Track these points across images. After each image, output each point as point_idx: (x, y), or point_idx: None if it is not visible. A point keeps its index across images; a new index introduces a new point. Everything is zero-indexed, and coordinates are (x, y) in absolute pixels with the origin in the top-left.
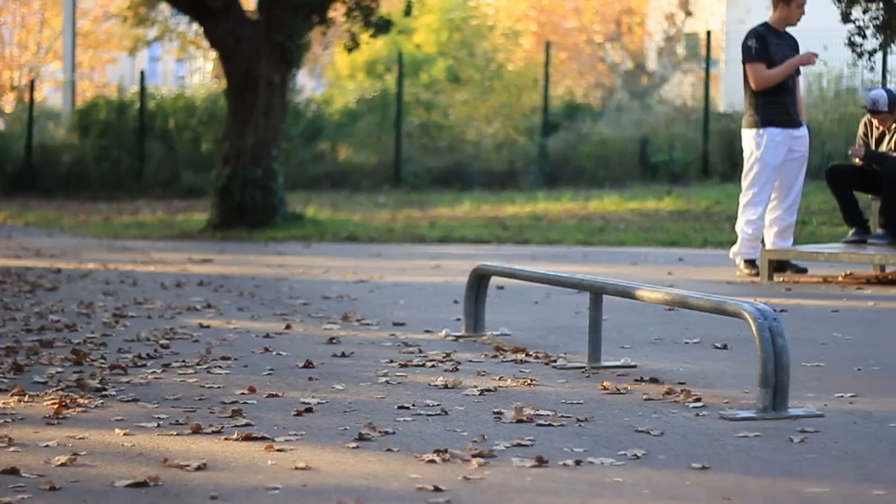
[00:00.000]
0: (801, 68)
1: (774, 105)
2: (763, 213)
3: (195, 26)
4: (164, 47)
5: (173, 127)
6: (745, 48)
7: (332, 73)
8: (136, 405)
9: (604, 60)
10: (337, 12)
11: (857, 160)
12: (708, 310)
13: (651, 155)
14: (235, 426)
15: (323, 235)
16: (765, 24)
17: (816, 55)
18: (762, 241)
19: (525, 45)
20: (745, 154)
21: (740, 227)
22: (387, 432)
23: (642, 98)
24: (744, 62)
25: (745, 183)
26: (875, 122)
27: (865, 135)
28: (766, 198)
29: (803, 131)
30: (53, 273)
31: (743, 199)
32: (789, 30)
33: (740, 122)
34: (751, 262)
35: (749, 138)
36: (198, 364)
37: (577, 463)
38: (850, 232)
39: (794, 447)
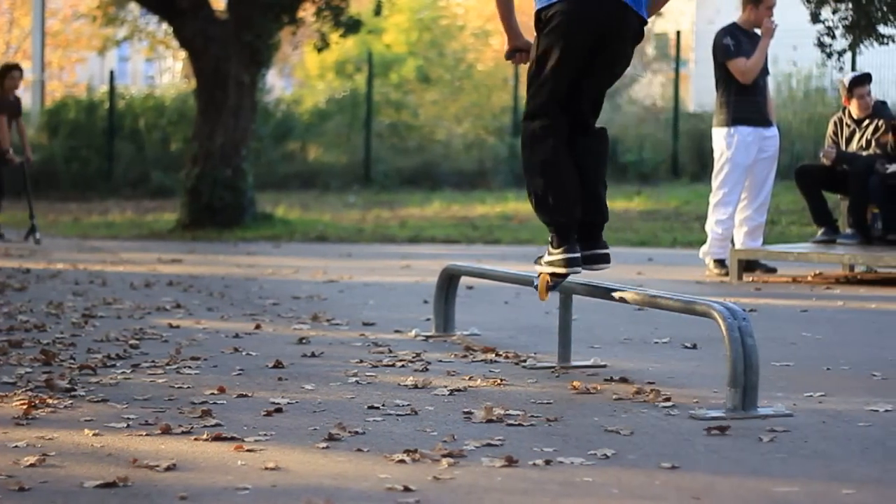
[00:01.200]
0: (770, 68)
1: (745, 104)
2: (733, 213)
3: (164, 26)
4: (134, 47)
5: (143, 127)
6: (724, 47)
7: (302, 73)
8: (106, 405)
9: None
10: (307, 12)
11: (827, 161)
12: (677, 310)
13: (621, 155)
14: (205, 426)
15: (292, 235)
16: (733, 24)
17: (774, 22)
18: (732, 241)
19: (495, 45)
20: (716, 153)
21: (710, 226)
22: (356, 432)
23: (612, 98)
24: (724, 61)
25: (715, 183)
26: (849, 111)
27: (835, 133)
28: (737, 198)
29: (773, 131)
30: (22, 273)
31: (713, 199)
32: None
33: (710, 122)
34: (720, 262)
35: (720, 137)
36: (167, 364)
37: (547, 463)
38: (820, 232)
39: (763, 447)
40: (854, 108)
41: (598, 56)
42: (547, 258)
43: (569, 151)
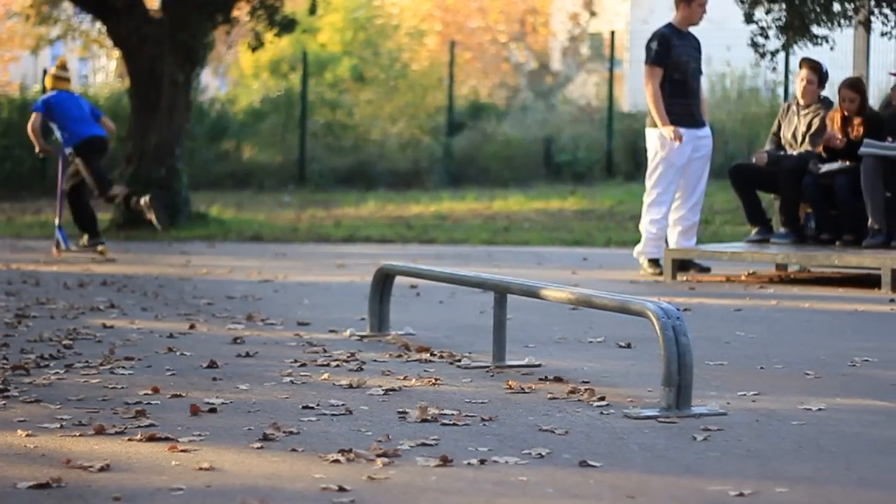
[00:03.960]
0: (704, 68)
1: (678, 106)
2: (667, 212)
3: (98, 25)
4: (68, 46)
5: None
6: (647, 49)
7: (237, 73)
8: (39, 406)
9: (508, 60)
10: (241, 11)
11: (759, 164)
12: (612, 309)
13: (555, 155)
14: (139, 427)
15: (227, 235)
16: (669, 25)
17: (681, 138)
18: (666, 241)
19: (430, 45)
20: (650, 154)
21: (644, 226)
22: (291, 432)
23: (547, 98)
24: (644, 63)
25: (649, 183)
26: (797, 99)
27: (777, 133)
28: (671, 197)
29: (706, 131)
30: None
31: (647, 199)
32: (695, 31)
33: (644, 122)
34: (654, 262)
35: (653, 138)
36: (101, 364)
37: (482, 462)
38: (754, 231)
39: (697, 445)
40: (798, 89)
41: None
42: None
43: None
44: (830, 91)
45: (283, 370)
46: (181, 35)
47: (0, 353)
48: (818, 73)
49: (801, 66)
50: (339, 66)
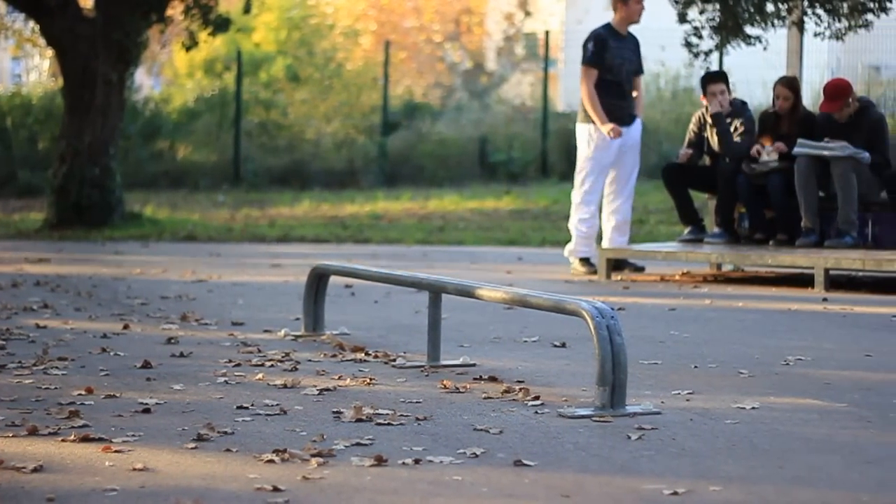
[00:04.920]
0: (644, 66)
1: (609, 106)
2: (596, 210)
3: (31, 24)
4: (0, 45)
5: (9, 125)
6: (583, 49)
7: (171, 72)
8: None
9: (443, 60)
10: (175, 10)
11: (682, 160)
12: (547, 308)
13: (490, 154)
14: (73, 427)
15: (161, 235)
16: (607, 26)
17: (620, 133)
18: (599, 238)
19: (364, 45)
20: (580, 149)
21: (574, 225)
22: (225, 432)
23: (481, 98)
24: (581, 63)
25: (577, 180)
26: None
27: (699, 128)
28: (599, 196)
29: (636, 125)
30: None
31: (576, 198)
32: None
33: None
34: (585, 260)
35: (583, 133)
36: (34, 365)
37: (417, 462)
38: (686, 231)
39: (631, 444)
40: (714, 105)
41: None
42: None
43: None
44: (756, 91)
45: (218, 370)
46: (115, 34)
47: None
48: (727, 81)
49: (704, 85)
50: (273, 66)
